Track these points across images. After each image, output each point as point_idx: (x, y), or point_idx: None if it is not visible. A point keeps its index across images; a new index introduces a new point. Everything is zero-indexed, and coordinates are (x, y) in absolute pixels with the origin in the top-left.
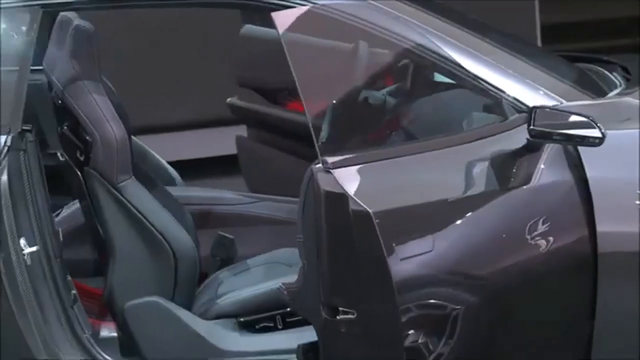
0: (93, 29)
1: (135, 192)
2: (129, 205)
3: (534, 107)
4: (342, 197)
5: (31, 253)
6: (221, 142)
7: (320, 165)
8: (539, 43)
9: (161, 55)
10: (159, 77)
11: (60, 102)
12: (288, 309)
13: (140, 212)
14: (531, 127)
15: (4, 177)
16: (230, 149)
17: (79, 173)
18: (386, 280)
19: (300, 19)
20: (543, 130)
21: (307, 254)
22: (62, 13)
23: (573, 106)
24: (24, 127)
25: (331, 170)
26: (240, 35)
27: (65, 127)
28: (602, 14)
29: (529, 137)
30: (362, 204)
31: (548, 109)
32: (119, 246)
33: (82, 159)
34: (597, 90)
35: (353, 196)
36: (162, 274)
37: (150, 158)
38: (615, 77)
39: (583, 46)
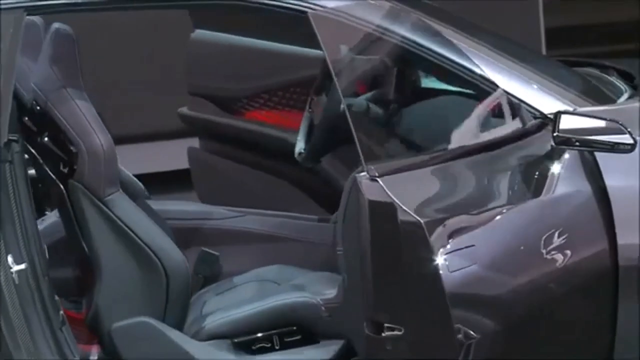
0: (73, 33)
1: (123, 206)
2: (117, 219)
3: (559, 112)
4: (389, 207)
5: (19, 271)
6: (177, 155)
7: (364, 173)
8: (543, 47)
9: (113, 63)
10: (112, 87)
11: (39, 109)
12: (285, 329)
13: (128, 227)
14: (556, 133)
15: None
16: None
17: (61, 186)
18: (439, 294)
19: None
20: (570, 136)
21: (347, 268)
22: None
23: (595, 111)
24: (11, 137)
25: (377, 179)
26: (190, 40)
27: (46, 137)
28: (609, 17)
29: (553, 143)
30: (412, 213)
31: (574, 114)
32: (106, 263)
33: (65, 171)
34: (602, 96)
35: (402, 205)
36: (153, 293)
37: None
38: (619, 83)
39: (589, 50)
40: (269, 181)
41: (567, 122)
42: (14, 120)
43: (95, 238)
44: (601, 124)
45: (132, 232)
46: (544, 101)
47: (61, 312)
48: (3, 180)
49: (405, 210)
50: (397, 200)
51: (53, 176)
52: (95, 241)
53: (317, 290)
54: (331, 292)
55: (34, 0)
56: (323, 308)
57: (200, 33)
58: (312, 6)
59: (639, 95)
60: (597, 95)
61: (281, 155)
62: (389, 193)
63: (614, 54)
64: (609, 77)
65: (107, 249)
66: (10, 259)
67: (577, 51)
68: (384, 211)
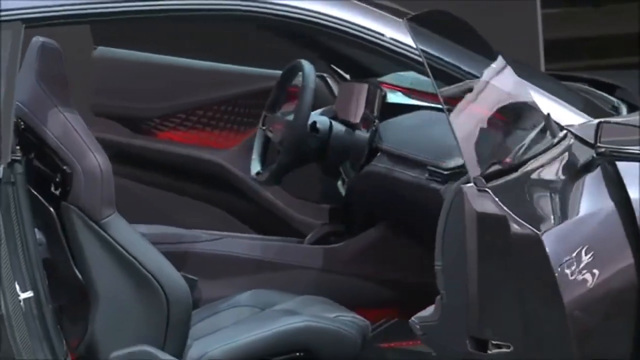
0: (59, 47)
1: (121, 228)
2: (114, 242)
3: (600, 122)
4: (501, 219)
5: (25, 299)
6: None
7: (471, 184)
8: (542, 59)
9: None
10: None
11: (23, 127)
12: (288, 355)
13: (126, 250)
14: (598, 144)
15: None
16: None
17: (51, 209)
18: (557, 308)
19: None
20: (614, 147)
21: (447, 283)
22: None
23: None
24: (14, 157)
25: (487, 189)
26: (93, 58)
27: (33, 157)
28: (609, 29)
29: (594, 155)
30: (529, 226)
31: (616, 123)
32: (102, 289)
33: (57, 193)
34: (599, 110)
35: (517, 217)
36: (153, 319)
37: None
38: (607, 96)
39: (589, 63)
40: (188, 203)
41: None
42: None
43: (90, 263)
44: (635, 134)
45: (131, 255)
46: (562, 113)
47: (64, 342)
48: (6, 204)
49: (520, 222)
50: (510, 212)
51: (41, 198)
52: (91, 266)
53: (314, 313)
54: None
55: (32, 12)
56: (418, 327)
57: (105, 50)
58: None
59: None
60: (595, 109)
61: (202, 177)
62: (502, 205)
63: (614, 67)
64: (595, 90)
65: (104, 273)
66: (17, 286)
67: (576, 64)
68: (495, 223)
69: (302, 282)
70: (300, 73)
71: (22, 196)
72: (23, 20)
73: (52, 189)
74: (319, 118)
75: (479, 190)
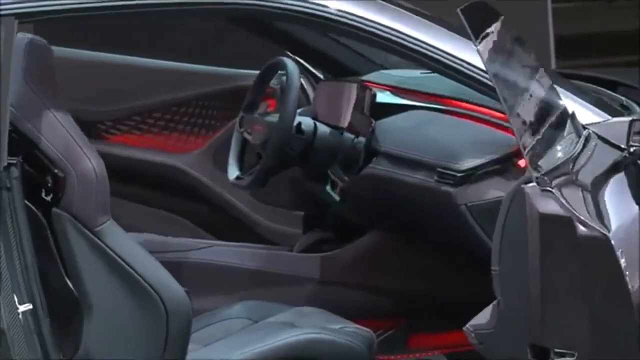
0: (47, 44)
1: (116, 236)
2: (110, 251)
3: (633, 120)
4: (567, 220)
5: (24, 312)
6: None
7: (533, 184)
8: (552, 56)
9: None
10: None
11: (10, 129)
12: None
13: (123, 259)
14: (631, 142)
15: None
16: None
17: (40, 215)
18: (628, 313)
19: None
20: None
21: (505, 289)
22: None
23: None
24: (10, 161)
25: (552, 190)
26: None
27: (22, 161)
28: (623, 25)
29: (627, 154)
30: (597, 226)
31: None
32: (97, 300)
33: (48, 199)
34: (611, 109)
35: (585, 218)
36: (151, 331)
37: None
38: (616, 95)
39: (602, 61)
40: (144, 211)
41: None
42: None
43: (84, 273)
44: None
45: (128, 264)
46: (580, 112)
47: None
48: (1, 210)
49: (587, 223)
50: (577, 213)
51: (30, 205)
52: (84, 276)
53: (319, 324)
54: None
55: (25, 6)
56: (472, 335)
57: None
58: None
59: None
60: (607, 107)
61: (161, 183)
62: (568, 205)
63: (629, 64)
64: (599, 88)
65: (99, 284)
66: (15, 298)
67: (588, 62)
68: (560, 225)
69: (295, 292)
70: (279, 72)
71: (18, 202)
72: (17, 15)
73: (43, 194)
74: (303, 119)
75: (542, 190)
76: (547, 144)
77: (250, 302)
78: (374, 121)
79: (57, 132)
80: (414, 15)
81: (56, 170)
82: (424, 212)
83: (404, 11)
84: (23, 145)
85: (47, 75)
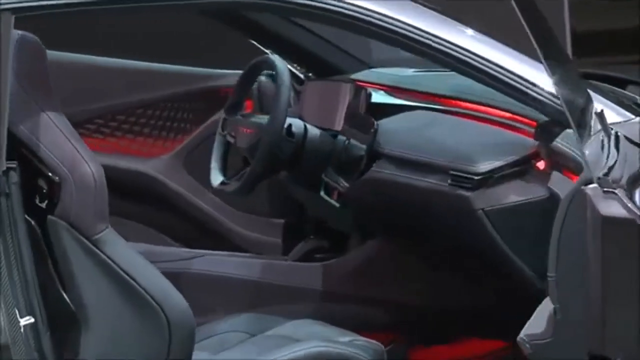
0: (40, 42)
1: (115, 244)
2: (109, 261)
3: None
4: (631, 223)
5: (26, 326)
6: None
7: (595, 185)
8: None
9: None
10: None
11: None
12: None
13: (122, 269)
14: None
15: None
16: None
17: (33, 223)
18: None
19: None
20: None
21: (562, 296)
22: None
23: None
24: (9, 165)
25: (615, 191)
26: None
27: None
28: (625, 24)
29: None
30: None
31: None
32: (95, 313)
33: (43, 205)
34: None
35: None
36: (153, 345)
37: None
38: (629, 94)
39: (620, 59)
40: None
41: None
42: None
43: (81, 284)
44: None
45: (128, 274)
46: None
47: None
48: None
49: None
50: None
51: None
52: (82, 287)
53: (325, 337)
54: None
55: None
56: (527, 345)
57: None
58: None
59: None
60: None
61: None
62: (634, 208)
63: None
64: (610, 87)
65: (97, 295)
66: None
67: (605, 59)
68: (624, 228)
69: (293, 303)
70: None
71: (17, 210)
72: (13, 10)
73: (37, 201)
74: (293, 121)
75: (605, 192)
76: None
77: (246, 314)
78: (376, 122)
79: (53, 135)
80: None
81: (53, 176)
82: (435, 217)
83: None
84: (15, 149)
85: (41, 75)
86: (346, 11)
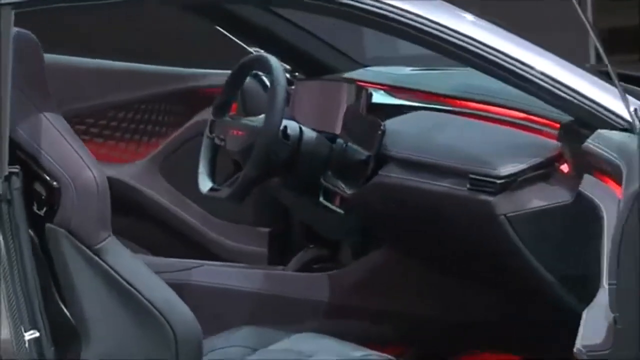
0: (36, 39)
1: (118, 254)
2: (112, 271)
3: None
4: None
5: (30, 341)
6: None
7: None
8: (592, 51)
9: None
10: None
11: None
12: None
13: (127, 281)
14: None
15: None
16: None
17: (31, 232)
18: None
19: None
20: None
21: (623, 305)
22: None
23: None
24: (11, 169)
25: None
26: None
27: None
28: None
29: None
30: None
31: None
32: (97, 327)
33: (41, 213)
34: None
35: None
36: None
37: None
38: None
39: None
40: None
41: None
42: None
43: (82, 296)
44: None
45: (132, 286)
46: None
47: None
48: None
49: None
50: None
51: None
52: (83, 300)
53: (337, 352)
54: None
55: None
56: (586, 357)
57: None
58: None
59: None
60: None
61: None
62: None
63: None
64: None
65: (99, 308)
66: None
67: (631, 57)
68: None
69: (294, 315)
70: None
71: (20, 218)
72: (14, 5)
73: (35, 208)
74: (288, 122)
75: None
76: None
77: (247, 328)
78: (383, 124)
79: (52, 138)
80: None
81: (52, 182)
82: (449, 223)
83: None
84: (11, 153)
85: (38, 74)
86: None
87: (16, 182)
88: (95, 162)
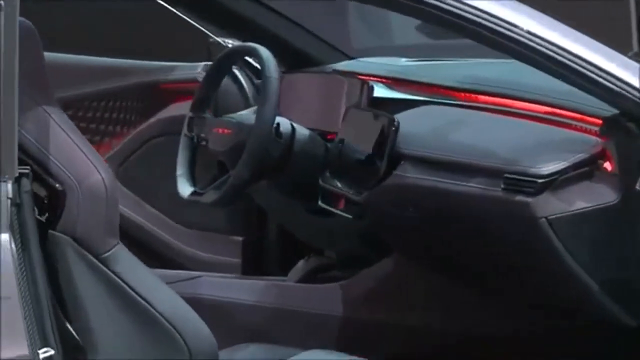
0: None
1: (127, 263)
2: (121, 282)
3: None
4: None
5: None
6: None
7: None
8: (635, 42)
9: None
10: None
11: None
12: None
13: (136, 292)
14: None
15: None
16: None
17: None
18: None
19: None
20: None
21: None
22: None
23: None
24: (21, 170)
25: None
26: None
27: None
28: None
29: None
30: None
31: None
32: (105, 341)
33: (43, 219)
34: None
35: None
36: None
37: None
38: None
39: None
40: None
41: None
42: None
43: (87, 308)
44: None
45: (142, 297)
46: None
47: None
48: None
49: None
50: None
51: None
52: (88, 312)
53: None
54: None
55: None
56: None
57: None
58: None
59: None
60: None
61: None
62: None
63: None
64: None
65: (107, 321)
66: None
67: None
68: None
69: (300, 330)
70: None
71: (29, 222)
72: None
73: (36, 213)
74: (280, 119)
75: None
76: None
77: (253, 345)
78: (397, 120)
79: (56, 137)
80: None
81: (56, 185)
82: (478, 227)
83: None
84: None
85: (38, 67)
86: None
87: (26, 185)
88: (104, 164)
